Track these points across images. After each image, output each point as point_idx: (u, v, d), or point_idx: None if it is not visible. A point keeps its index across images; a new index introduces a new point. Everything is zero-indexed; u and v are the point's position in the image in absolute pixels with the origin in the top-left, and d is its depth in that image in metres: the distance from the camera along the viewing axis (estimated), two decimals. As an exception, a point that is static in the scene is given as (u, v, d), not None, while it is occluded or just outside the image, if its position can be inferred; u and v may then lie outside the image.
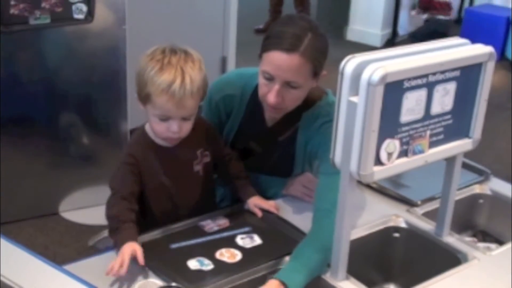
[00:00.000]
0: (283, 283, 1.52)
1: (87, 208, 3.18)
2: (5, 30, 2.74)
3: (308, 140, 1.89)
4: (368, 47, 5.92)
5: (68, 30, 2.93)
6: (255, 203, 1.87)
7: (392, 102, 1.44)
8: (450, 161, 1.72)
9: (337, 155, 1.50)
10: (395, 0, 5.97)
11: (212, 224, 1.80)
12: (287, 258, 1.66)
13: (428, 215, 1.91)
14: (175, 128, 1.69)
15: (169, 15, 3.57)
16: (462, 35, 1.89)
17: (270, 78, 1.75)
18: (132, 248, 1.58)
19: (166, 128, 1.70)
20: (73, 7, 2.82)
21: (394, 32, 6.08)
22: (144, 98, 1.68)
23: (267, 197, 1.94)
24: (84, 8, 2.84)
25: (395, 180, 2.09)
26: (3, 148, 3.02)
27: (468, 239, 1.96)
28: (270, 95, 1.76)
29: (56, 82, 3.04)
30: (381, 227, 1.87)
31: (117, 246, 1.62)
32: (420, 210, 1.94)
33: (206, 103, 1.94)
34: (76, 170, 3.26)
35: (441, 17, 6.22)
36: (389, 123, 1.46)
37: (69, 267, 1.48)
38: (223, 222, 1.81)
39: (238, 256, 1.67)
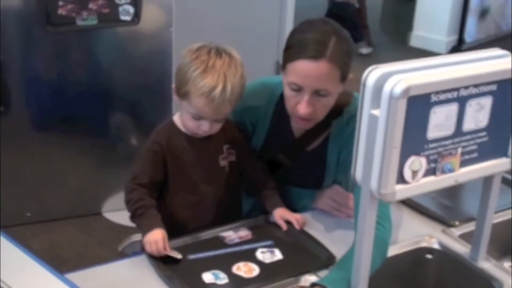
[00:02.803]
0: None
1: (130, 209, 3.18)
2: (52, 31, 2.77)
3: (342, 148, 1.82)
4: (432, 53, 5.74)
5: (115, 32, 2.95)
6: (281, 214, 1.80)
7: (417, 117, 1.35)
8: (487, 181, 1.60)
9: (358, 171, 1.41)
10: (462, 5, 5.77)
11: (234, 236, 1.74)
12: (306, 277, 1.59)
13: (465, 237, 1.80)
14: (206, 128, 1.71)
15: (219, 17, 3.53)
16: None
17: (298, 89, 1.68)
18: (162, 235, 1.62)
19: (197, 126, 1.71)
20: (120, 8, 2.83)
21: (460, 39, 5.87)
22: (183, 94, 1.69)
23: (296, 209, 1.86)
24: (131, 9, 2.84)
25: (435, 198, 1.99)
26: (51, 146, 3.07)
27: (507, 265, 1.83)
28: (300, 107, 1.69)
29: (102, 83, 3.06)
30: (414, 247, 1.78)
31: (143, 231, 1.66)
32: (457, 232, 1.82)
33: (231, 113, 1.89)
34: (121, 170, 3.24)
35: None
36: (415, 139, 1.37)
37: (72, 275, 1.45)
38: (245, 234, 1.75)
39: (255, 271, 1.60)
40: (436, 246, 1.78)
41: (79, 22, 2.78)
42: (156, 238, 1.62)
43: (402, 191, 1.39)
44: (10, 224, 2.99)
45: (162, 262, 1.60)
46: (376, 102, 1.34)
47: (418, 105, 1.33)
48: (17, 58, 2.87)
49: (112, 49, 3.02)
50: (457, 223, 1.86)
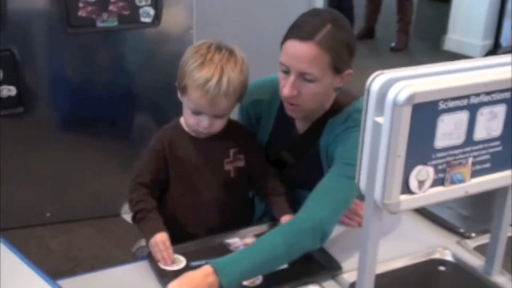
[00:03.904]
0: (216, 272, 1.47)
1: (149, 211, 3.17)
2: (72, 32, 2.77)
3: (329, 145, 1.76)
4: (467, 58, 5.62)
5: (135, 34, 2.94)
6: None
7: (424, 125, 1.29)
8: (502, 192, 1.53)
9: (362, 180, 1.36)
10: (499, 8, 5.63)
11: (239, 243, 1.71)
12: (310, 286, 1.54)
13: (480, 249, 1.72)
14: (205, 124, 1.68)
15: (241, 19, 3.49)
16: None
17: (287, 71, 1.66)
18: (165, 238, 1.62)
19: (197, 122, 1.69)
20: (141, 10, 2.82)
21: (496, 43, 5.72)
22: (182, 89, 1.68)
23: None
24: (151, 11, 2.83)
25: (453, 207, 1.92)
26: (71, 148, 3.07)
27: (524, 279, 1.75)
28: (284, 88, 1.67)
29: (124, 85, 3.06)
30: (426, 258, 1.71)
31: (146, 235, 1.66)
32: (472, 243, 1.75)
33: (238, 107, 1.86)
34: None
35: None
36: (421, 147, 1.31)
37: (64, 282, 1.43)
38: (251, 241, 1.71)
39: (258, 280, 1.56)
40: (449, 258, 1.71)
41: (99, 24, 2.77)
42: (161, 240, 1.61)
43: (407, 201, 1.33)
44: (29, 224, 3.02)
45: (163, 268, 1.58)
46: (380, 109, 1.28)
47: (425, 112, 1.28)
48: (38, 59, 2.88)
49: (133, 51, 3.01)
50: (473, 234, 1.79)
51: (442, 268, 1.71)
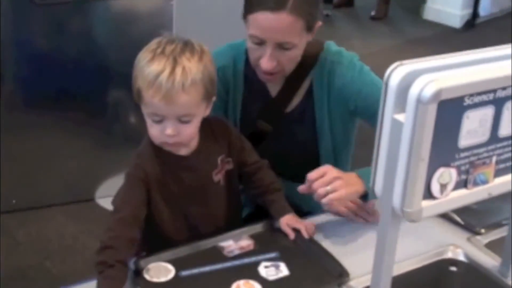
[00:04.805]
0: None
1: (125, 196, 3.01)
2: (40, 2, 2.59)
3: (328, 95, 1.71)
4: (446, 27, 5.54)
5: (111, 5, 2.76)
6: (288, 222, 1.60)
7: (448, 123, 1.14)
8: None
9: (378, 183, 1.21)
10: (477, -23, 5.53)
11: (234, 246, 1.55)
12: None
13: (492, 246, 1.61)
14: (169, 131, 1.44)
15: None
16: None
17: (260, 43, 1.56)
18: None
19: (160, 131, 1.45)
20: (113, -20, 2.62)
21: (475, 13, 5.63)
22: (137, 95, 1.45)
23: (303, 212, 1.68)
24: (125, -20, 2.63)
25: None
26: (40, 127, 2.88)
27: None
28: (263, 62, 1.58)
29: (98, 58, 2.89)
30: (436, 259, 1.58)
31: None
32: (483, 240, 1.63)
33: None
34: (118, 151, 3.06)
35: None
36: (444, 148, 1.16)
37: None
38: (247, 244, 1.56)
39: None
40: (461, 257, 1.58)
41: (68, -6, 2.58)
42: None
43: (429, 208, 1.19)
44: (-7, 212, 2.83)
45: (149, 280, 1.42)
46: (400, 106, 1.13)
47: (449, 109, 1.13)
48: (2, 31, 2.66)
49: (108, 23, 2.84)
50: (482, 230, 1.66)
51: (453, 268, 1.59)
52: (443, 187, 1.20)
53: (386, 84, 1.14)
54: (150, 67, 1.40)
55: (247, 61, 1.70)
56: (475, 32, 5.46)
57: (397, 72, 1.13)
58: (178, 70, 1.39)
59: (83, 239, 2.75)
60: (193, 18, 2.76)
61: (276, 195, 1.64)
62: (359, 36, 5.26)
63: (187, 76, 1.39)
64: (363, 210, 1.67)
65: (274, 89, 1.74)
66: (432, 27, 5.52)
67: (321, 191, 1.51)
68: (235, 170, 1.63)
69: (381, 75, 1.20)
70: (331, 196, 1.51)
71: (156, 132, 1.46)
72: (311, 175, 1.53)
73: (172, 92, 1.39)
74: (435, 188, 1.19)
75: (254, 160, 1.67)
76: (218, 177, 1.58)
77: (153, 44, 1.45)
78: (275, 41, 1.56)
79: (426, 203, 1.18)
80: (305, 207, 1.74)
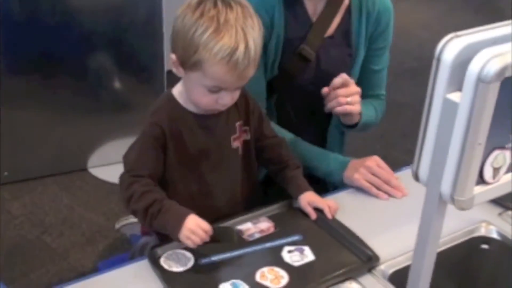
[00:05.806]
0: None
1: (119, 163, 2.86)
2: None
3: (367, 17, 1.70)
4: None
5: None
6: (309, 200, 1.49)
7: (506, 101, 1.03)
8: None
9: (423, 169, 1.09)
10: None
11: (253, 229, 1.44)
12: (346, 284, 1.30)
13: (524, 221, 1.52)
14: (227, 101, 1.37)
15: None
16: None
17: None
18: (198, 220, 1.31)
19: (215, 100, 1.36)
20: None
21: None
22: (192, 65, 1.32)
23: (322, 188, 1.58)
24: None
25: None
26: (26, 95, 2.70)
27: None
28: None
29: (82, 20, 2.70)
30: (467, 237, 1.49)
31: (173, 228, 1.31)
32: (515, 214, 1.54)
33: None
34: (107, 118, 2.93)
35: None
36: (500, 129, 1.05)
37: None
38: (267, 226, 1.46)
39: (283, 279, 1.31)
40: (494, 235, 1.49)
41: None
42: (195, 224, 1.30)
43: (480, 194, 1.08)
44: (-17, 186, 2.68)
45: (169, 270, 1.31)
46: (454, 84, 1.01)
47: (508, 87, 1.01)
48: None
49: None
50: (512, 204, 1.57)
51: (485, 246, 1.50)
52: (496, 171, 1.09)
53: (438, 60, 1.01)
54: (219, 41, 1.28)
55: None
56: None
57: (451, 46, 1.00)
58: (251, 44, 1.30)
59: (79, 211, 2.62)
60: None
61: (295, 172, 1.54)
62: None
63: (257, 50, 1.33)
64: (385, 184, 1.58)
65: (314, 14, 1.67)
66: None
67: (341, 100, 1.59)
68: (253, 143, 1.52)
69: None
70: (347, 107, 1.59)
71: (211, 101, 1.37)
72: (337, 80, 1.59)
73: (247, 69, 1.32)
74: (487, 172, 1.07)
75: (273, 134, 1.56)
76: (236, 143, 1.48)
77: (207, 8, 1.29)
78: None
79: (477, 189, 1.07)
80: (324, 166, 1.65)
